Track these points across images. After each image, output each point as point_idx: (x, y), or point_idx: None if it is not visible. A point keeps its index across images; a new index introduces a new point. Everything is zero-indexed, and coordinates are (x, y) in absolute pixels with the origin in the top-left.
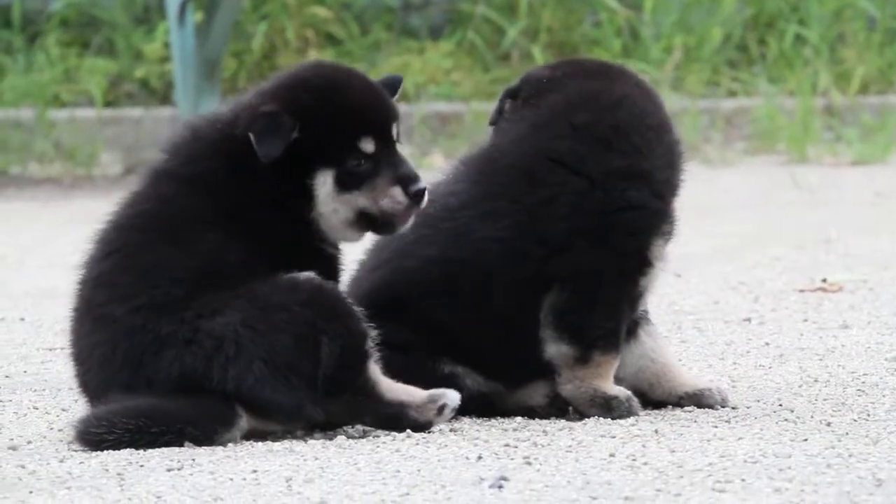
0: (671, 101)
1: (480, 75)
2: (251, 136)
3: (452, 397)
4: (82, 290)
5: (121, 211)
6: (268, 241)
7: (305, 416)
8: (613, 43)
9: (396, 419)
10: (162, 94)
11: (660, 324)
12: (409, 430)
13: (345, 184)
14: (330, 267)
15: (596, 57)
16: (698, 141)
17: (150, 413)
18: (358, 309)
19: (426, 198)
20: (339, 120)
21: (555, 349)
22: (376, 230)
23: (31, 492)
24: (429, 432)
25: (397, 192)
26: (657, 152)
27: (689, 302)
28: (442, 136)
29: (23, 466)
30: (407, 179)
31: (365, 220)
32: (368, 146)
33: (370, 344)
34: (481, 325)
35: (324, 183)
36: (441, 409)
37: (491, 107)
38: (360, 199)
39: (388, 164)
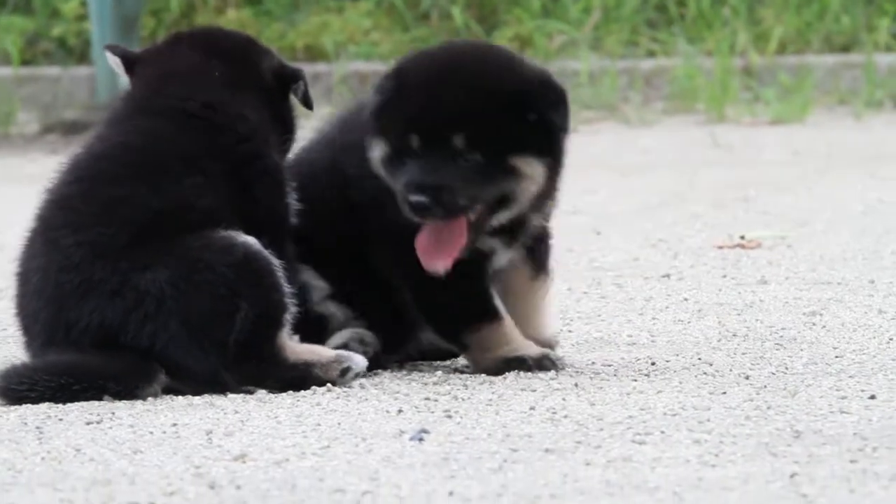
0: (590, 62)
1: (400, 35)
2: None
3: (358, 361)
4: (42, 211)
5: (98, 140)
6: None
7: (218, 381)
8: (533, 3)
9: (302, 380)
10: (79, 53)
11: (579, 280)
12: (329, 386)
13: None
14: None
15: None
16: (617, 101)
17: (73, 370)
18: (284, 283)
19: None
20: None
21: (442, 344)
22: None
23: None
24: (349, 387)
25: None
26: None
27: (608, 259)
28: (362, 96)
29: None
30: None
31: None
32: None
33: (286, 317)
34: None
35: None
36: (345, 370)
37: None
38: None
39: None
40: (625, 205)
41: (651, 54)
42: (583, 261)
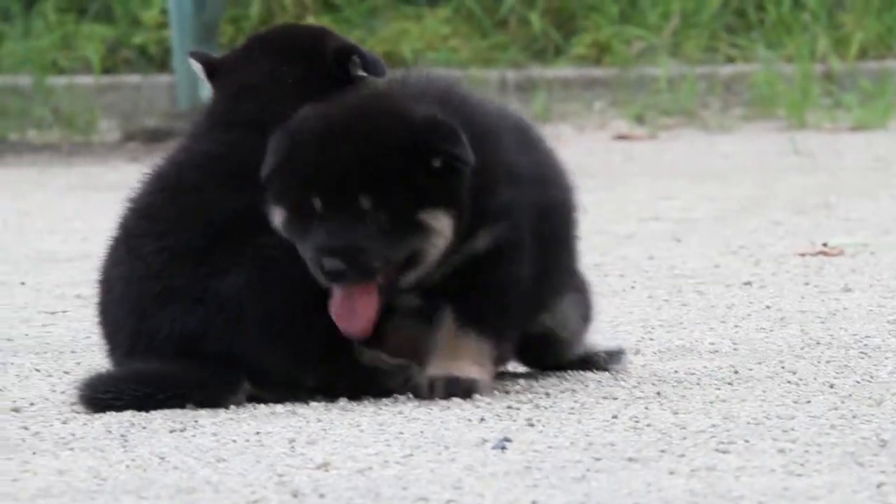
0: (669, 68)
1: (478, 42)
2: None
3: (417, 371)
4: (125, 220)
5: (180, 151)
6: None
7: (298, 384)
8: (611, 9)
9: (369, 384)
10: (160, 61)
11: (660, 287)
12: (410, 394)
13: None
14: None
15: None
16: (696, 107)
17: (158, 379)
18: None
19: None
20: None
21: None
22: None
23: (34, 452)
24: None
25: None
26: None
27: (689, 266)
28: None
29: (26, 428)
30: None
31: None
32: None
33: None
34: None
35: None
36: (407, 380)
37: (489, 73)
38: None
39: None
40: (705, 211)
41: (730, 60)
42: (663, 268)
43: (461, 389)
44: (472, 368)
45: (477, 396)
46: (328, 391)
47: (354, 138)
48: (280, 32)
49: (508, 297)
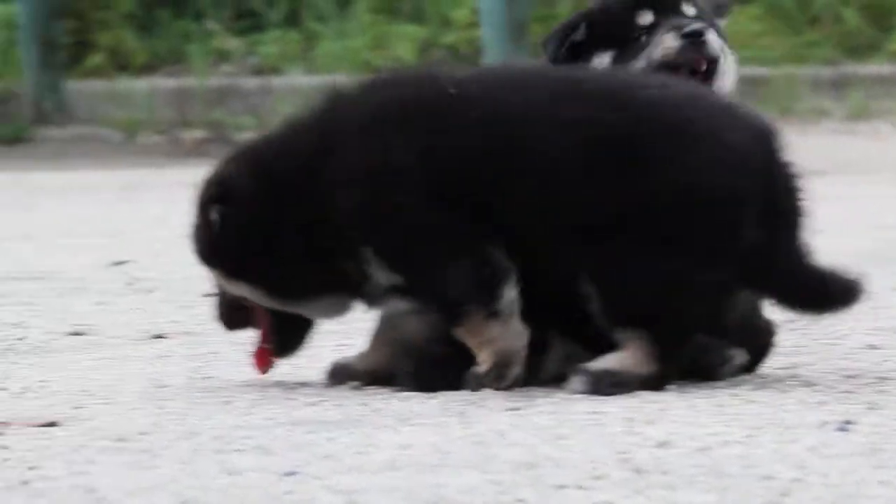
0: None
1: (791, 39)
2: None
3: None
4: None
5: None
6: None
7: None
8: None
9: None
10: (471, 60)
11: None
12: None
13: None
14: None
15: None
16: None
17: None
18: None
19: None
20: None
21: None
22: None
23: (375, 428)
24: (766, 378)
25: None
26: None
27: None
28: (752, 100)
29: (365, 405)
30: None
31: None
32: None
33: None
34: None
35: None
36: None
37: (801, 70)
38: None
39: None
40: None
41: None
42: None
43: None
44: None
45: (815, 382)
46: None
47: None
48: None
49: None
